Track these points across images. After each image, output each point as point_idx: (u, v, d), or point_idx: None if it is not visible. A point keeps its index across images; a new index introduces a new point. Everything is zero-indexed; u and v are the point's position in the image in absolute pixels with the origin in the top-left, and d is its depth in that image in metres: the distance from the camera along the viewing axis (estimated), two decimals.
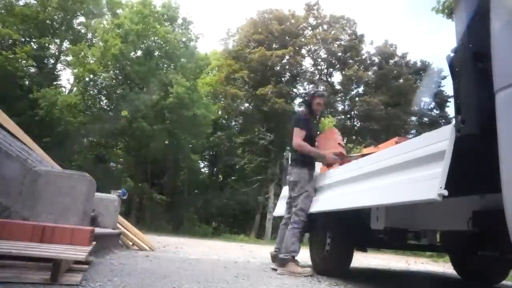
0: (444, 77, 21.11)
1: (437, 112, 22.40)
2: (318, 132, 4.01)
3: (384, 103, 19.35)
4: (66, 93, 20.06)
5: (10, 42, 19.34)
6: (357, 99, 21.17)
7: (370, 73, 21.70)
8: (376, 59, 21.99)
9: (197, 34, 21.45)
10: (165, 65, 20.38)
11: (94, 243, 2.73)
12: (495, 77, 1.62)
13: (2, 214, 2.86)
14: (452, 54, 1.89)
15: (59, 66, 21.95)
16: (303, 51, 21.78)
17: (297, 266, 3.42)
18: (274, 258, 3.89)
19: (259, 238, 18.30)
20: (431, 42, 43.70)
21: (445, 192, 1.70)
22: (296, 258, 3.52)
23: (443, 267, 6.84)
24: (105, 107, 20.56)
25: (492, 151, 1.57)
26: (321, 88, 22.22)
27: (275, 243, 4.15)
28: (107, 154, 21.63)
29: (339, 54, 21.25)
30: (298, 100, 22.74)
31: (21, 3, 19.96)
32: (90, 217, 3.59)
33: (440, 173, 1.73)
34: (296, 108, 21.09)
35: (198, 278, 2.57)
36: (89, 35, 21.61)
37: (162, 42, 19.55)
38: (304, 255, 4.01)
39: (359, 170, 2.74)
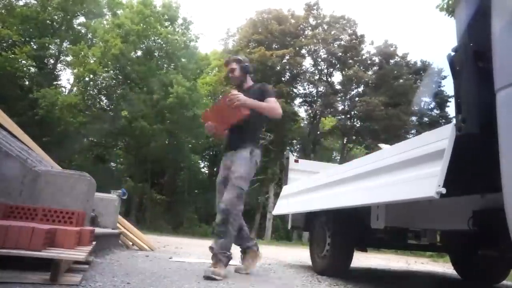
0: (444, 77, 21.10)
1: (437, 112, 22.37)
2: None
3: (384, 103, 19.31)
4: (66, 93, 20.08)
5: (10, 43, 19.35)
6: (357, 99, 21.12)
7: (370, 73, 21.65)
8: (377, 59, 21.95)
9: (197, 34, 21.54)
10: (165, 65, 20.39)
11: (94, 243, 2.73)
12: (496, 76, 1.61)
13: None
14: (452, 53, 1.89)
15: (59, 66, 22.01)
16: (303, 51, 21.73)
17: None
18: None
19: (259, 238, 18.27)
20: (431, 42, 43.74)
21: (443, 190, 1.69)
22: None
23: (443, 267, 6.83)
24: (105, 107, 20.59)
25: (493, 150, 1.57)
26: (321, 88, 22.25)
27: (275, 243, 4.17)
28: (107, 154, 21.64)
29: (339, 54, 21.20)
30: (298, 100, 22.74)
31: (21, 3, 20.00)
32: (90, 217, 3.59)
33: (439, 172, 1.72)
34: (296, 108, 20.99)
35: (198, 278, 2.56)
36: (89, 35, 21.61)
37: (162, 43, 19.55)
38: (304, 255, 4.00)
39: (359, 168, 2.74)
